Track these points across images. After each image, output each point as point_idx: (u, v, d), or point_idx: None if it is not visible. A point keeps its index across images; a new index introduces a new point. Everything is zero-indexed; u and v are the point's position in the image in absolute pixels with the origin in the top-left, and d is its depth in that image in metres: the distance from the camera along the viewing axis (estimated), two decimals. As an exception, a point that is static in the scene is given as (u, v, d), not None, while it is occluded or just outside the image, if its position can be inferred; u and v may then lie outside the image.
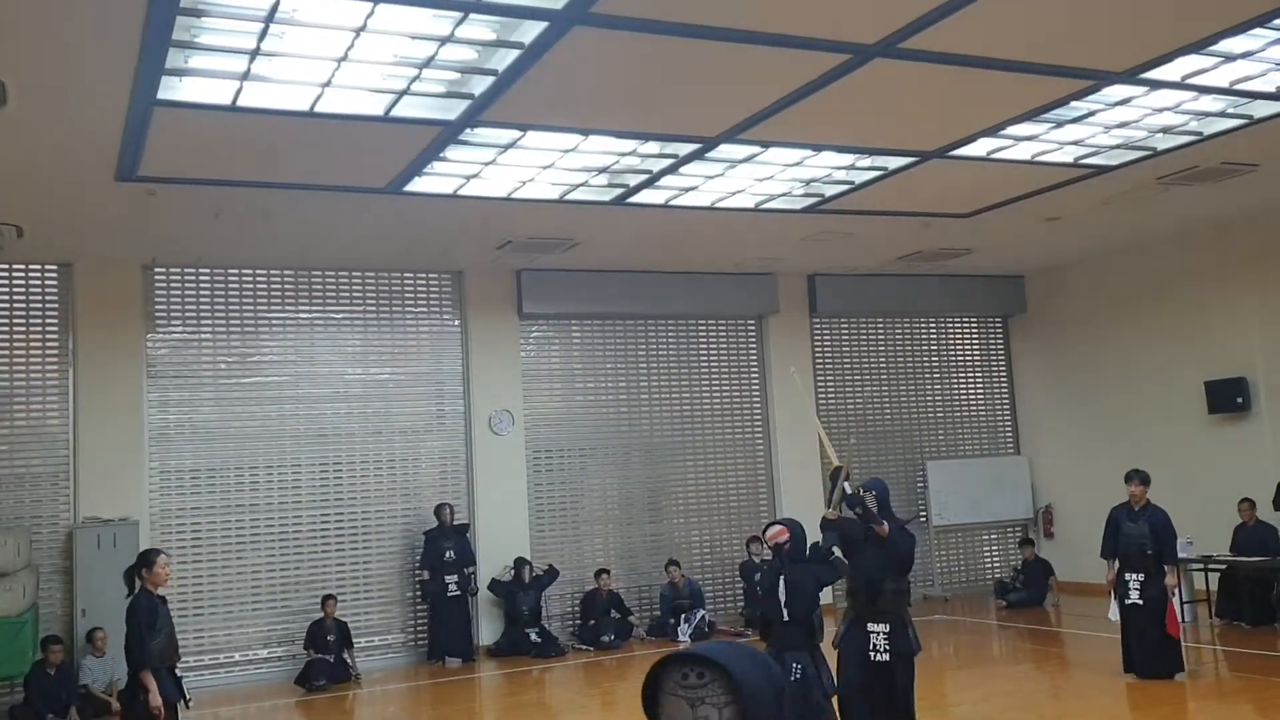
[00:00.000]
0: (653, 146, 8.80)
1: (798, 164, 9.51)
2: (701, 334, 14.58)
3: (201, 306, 12.17)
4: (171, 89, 6.98)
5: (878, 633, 7.22)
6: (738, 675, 1.68)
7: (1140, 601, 9.28)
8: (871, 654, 7.19)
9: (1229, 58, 7.55)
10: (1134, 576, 9.34)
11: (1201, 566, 12.03)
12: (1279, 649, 10.46)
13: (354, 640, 11.81)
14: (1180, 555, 11.28)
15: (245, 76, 6.84)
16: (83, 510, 11.18)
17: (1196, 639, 11.16)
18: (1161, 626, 9.23)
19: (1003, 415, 16.29)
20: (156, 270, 11.93)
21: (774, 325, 14.71)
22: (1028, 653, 11.89)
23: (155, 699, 6.46)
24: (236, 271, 12.28)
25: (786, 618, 6.75)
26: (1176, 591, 9.41)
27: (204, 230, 10.46)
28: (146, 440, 11.67)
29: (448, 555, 12.23)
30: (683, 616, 12.89)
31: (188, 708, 6.79)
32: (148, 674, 6.49)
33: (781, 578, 6.85)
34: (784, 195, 10.53)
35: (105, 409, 11.43)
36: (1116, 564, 9.51)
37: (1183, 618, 9.82)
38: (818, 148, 9.08)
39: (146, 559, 6.84)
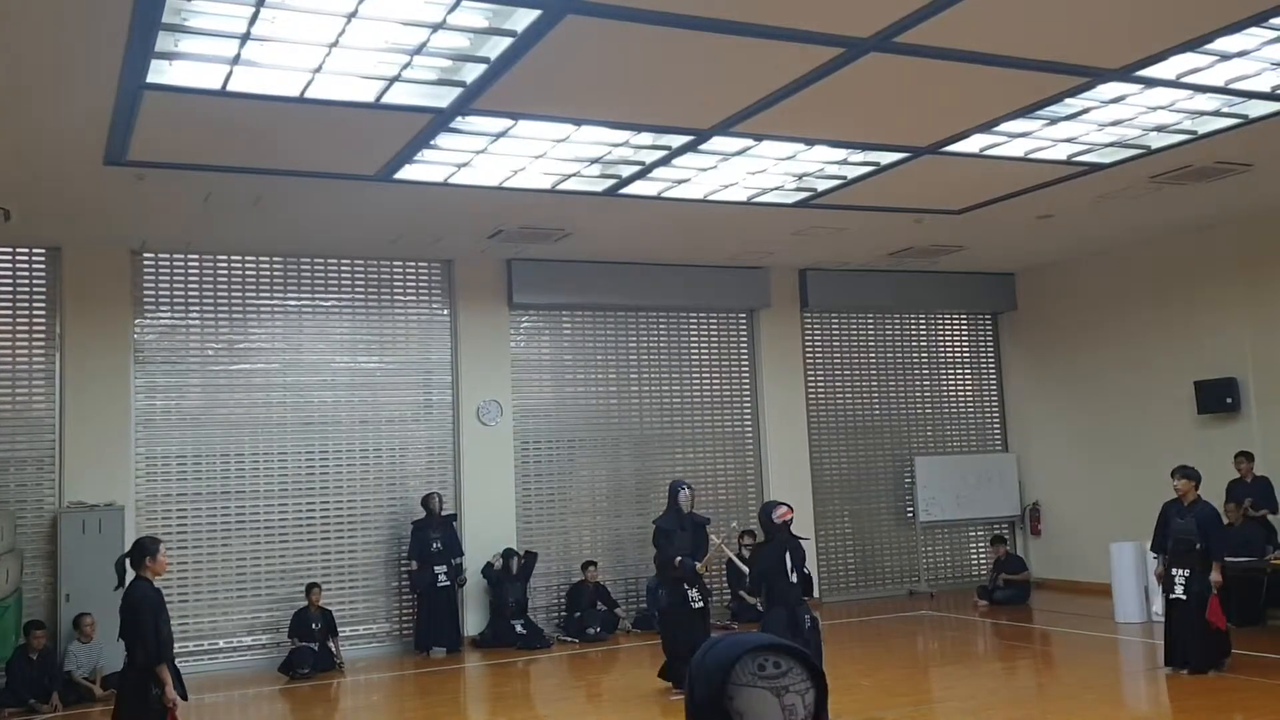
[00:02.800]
0: (645, 138, 8.76)
1: (790, 158, 9.48)
2: (692, 327, 14.56)
3: (190, 292, 12.11)
4: (161, 73, 6.93)
5: None
6: (812, 660, 1.67)
7: (1184, 596, 9.39)
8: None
9: (1224, 56, 7.54)
10: (1180, 572, 9.45)
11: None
12: (1264, 649, 10.48)
13: (339, 629, 11.78)
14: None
15: (236, 61, 6.78)
16: (68, 495, 11.12)
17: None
18: (1205, 620, 9.28)
19: (991, 412, 16.31)
20: (145, 255, 11.86)
21: (765, 319, 14.69)
22: (1010, 650, 11.91)
23: (172, 693, 6.33)
24: (225, 258, 12.22)
25: (795, 579, 8.39)
26: (1219, 586, 9.45)
27: (193, 216, 10.40)
28: (133, 426, 11.62)
29: (435, 546, 12.20)
30: (669, 609, 12.86)
31: (186, 699, 6.69)
32: (163, 667, 6.36)
33: (788, 550, 8.44)
34: (776, 189, 10.50)
35: (92, 394, 11.37)
36: (1164, 559, 9.67)
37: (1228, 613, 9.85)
38: (811, 142, 9.05)
39: (149, 547, 6.62)
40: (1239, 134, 9.22)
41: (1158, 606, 9.67)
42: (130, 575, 6.62)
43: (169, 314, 12.04)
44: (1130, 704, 8.99)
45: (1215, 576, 9.38)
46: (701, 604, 9.61)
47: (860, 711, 8.71)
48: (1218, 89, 8.18)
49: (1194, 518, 9.47)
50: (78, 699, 10.31)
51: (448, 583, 12.19)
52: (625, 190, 10.13)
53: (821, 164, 9.77)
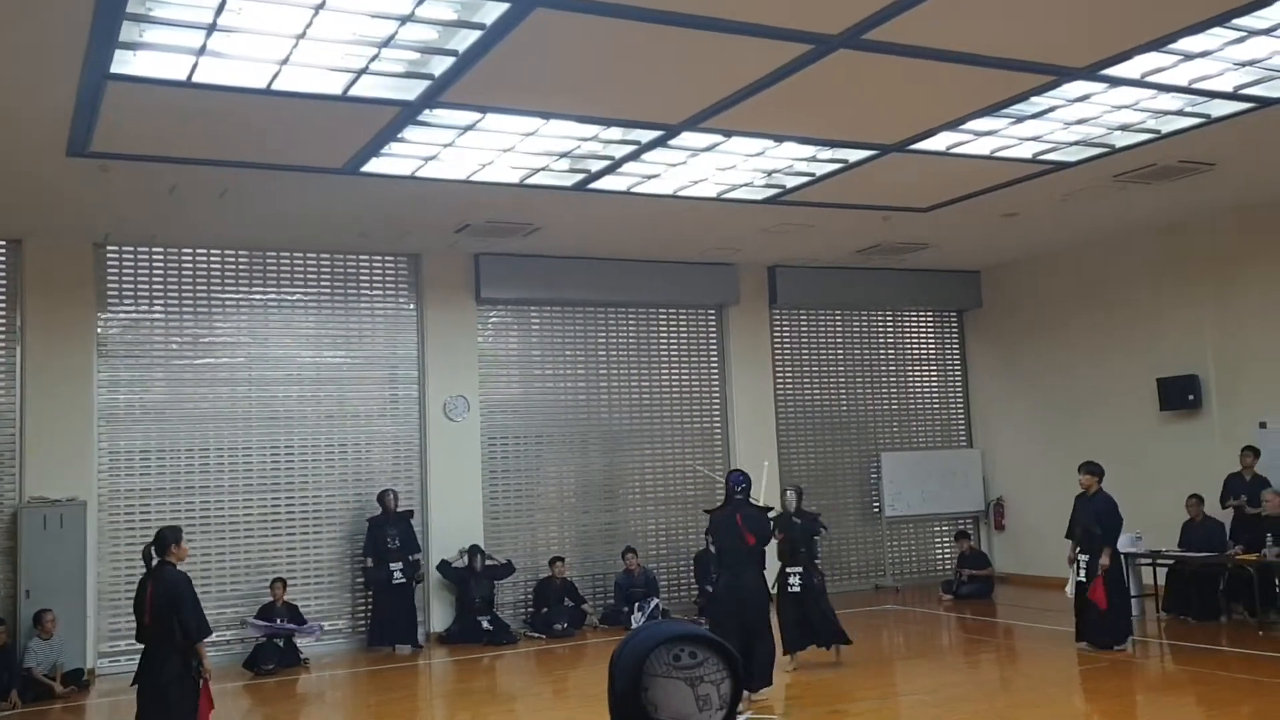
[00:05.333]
0: (615, 132, 8.75)
1: (760, 154, 9.51)
2: (661, 323, 14.56)
3: (154, 285, 11.99)
4: (125, 63, 6.86)
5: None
6: (729, 650, 1.68)
7: (1085, 579, 10.34)
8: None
9: (1188, 56, 7.62)
10: (1083, 557, 10.42)
11: (1150, 562, 12.19)
12: (1223, 643, 10.62)
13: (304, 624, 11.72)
14: (1129, 550, 11.62)
15: (201, 52, 6.72)
16: (29, 490, 10.99)
17: (1144, 633, 11.31)
18: (1104, 601, 10.21)
19: (956, 408, 16.43)
20: (109, 248, 11.73)
21: (734, 315, 14.72)
22: (974, 644, 12.01)
23: (210, 665, 6.98)
24: (190, 251, 12.11)
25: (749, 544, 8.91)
26: (1105, 569, 10.26)
27: (158, 208, 10.29)
28: (96, 420, 11.49)
29: (391, 542, 12.13)
30: (636, 605, 12.88)
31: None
32: (202, 645, 6.89)
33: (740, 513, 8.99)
34: (746, 185, 10.52)
35: (54, 388, 11.24)
36: (1075, 546, 10.54)
37: (1124, 594, 10.77)
38: (779, 138, 9.08)
39: (174, 536, 7.09)
40: (1202, 133, 9.32)
41: (1069, 588, 10.63)
42: (155, 562, 7.05)
43: (133, 307, 11.91)
44: (1092, 697, 9.09)
45: (1103, 560, 10.25)
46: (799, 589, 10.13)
47: (826, 704, 8.76)
48: (1181, 88, 8.27)
49: (1093, 508, 10.38)
50: (37, 696, 10.18)
51: (403, 579, 12.12)
52: (594, 185, 10.12)
53: (790, 161, 9.80)
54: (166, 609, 6.82)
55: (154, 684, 6.85)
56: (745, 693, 8.19)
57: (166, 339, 12.06)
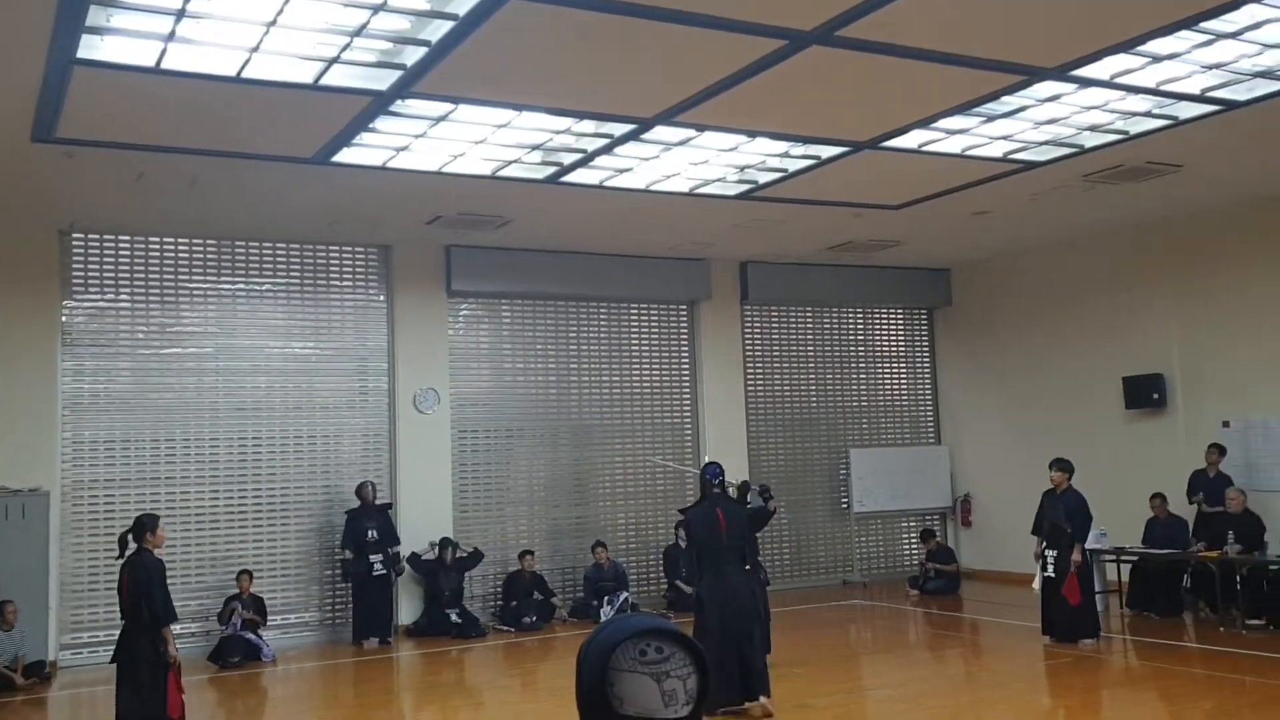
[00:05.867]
0: (588, 125, 8.73)
1: (732, 149, 9.51)
2: (633, 317, 14.56)
3: (121, 274, 11.86)
4: (92, 48, 6.77)
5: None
6: (696, 645, 1.67)
7: (1053, 574, 10.51)
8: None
9: (1156, 58, 7.69)
10: (1051, 553, 10.58)
11: (1114, 558, 12.30)
12: (1186, 639, 10.74)
13: (269, 618, 11.65)
14: (1094, 546, 11.74)
15: (170, 38, 6.65)
16: (-10, 480, 10.86)
17: (1108, 629, 11.42)
18: (1063, 595, 10.37)
19: (925, 405, 16.52)
20: (74, 235, 11.60)
21: (705, 311, 14.74)
22: (940, 639, 12.09)
23: (175, 650, 7.23)
24: (158, 239, 11.99)
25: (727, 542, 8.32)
26: (1078, 566, 10.46)
27: (125, 196, 10.18)
28: (60, 409, 11.37)
29: (370, 535, 12.07)
30: (605, 598, 12.88)
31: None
32: (168, 629, 7.20)
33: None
34: (718, 181, 10.53)
35: (17, 376, 11.10)
36: (1043, 541, 10.74)
37: (1092, 590, 11.02)
38: (752, 134, 9.09)
39: (151, 523, 7.41)
40: (1169, 135, 9.41)
41: (1036, 583, 10.81)
42: (131, 549, 7.37)
43: (99, 296, 11.79)
44: (1056, 692, 9.17)
45: (1075, 556, 10.39)
46: None
47: (793, 699, 8.79)
48: (1149, 90, 8.34)
49: (1063, 504, 10.52)
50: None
51: (384, 571, 12.07)
52: (567, 178, 10.10)
53: (763, 156, 9.81)
54: (138, 594, 7.19)
55: (128, 663, 7.28)
56: (762, 699, 7.94)
57: (133, 328, 11.94)
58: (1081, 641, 10.33)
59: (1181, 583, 11.82)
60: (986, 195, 11.34)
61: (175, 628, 7.59)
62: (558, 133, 8.86)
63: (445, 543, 12.52)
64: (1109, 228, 13.30)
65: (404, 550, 12.45)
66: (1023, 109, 8.70)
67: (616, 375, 14.37)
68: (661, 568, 13.89)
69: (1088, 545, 10.85)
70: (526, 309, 13.87)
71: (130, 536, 7.37)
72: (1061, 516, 10.48)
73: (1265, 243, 12.07)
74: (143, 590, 7.18)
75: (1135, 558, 12.12)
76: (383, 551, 12.08)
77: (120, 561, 7.46)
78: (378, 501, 12.28)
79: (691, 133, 8.95)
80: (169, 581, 7.52)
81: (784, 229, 12.66)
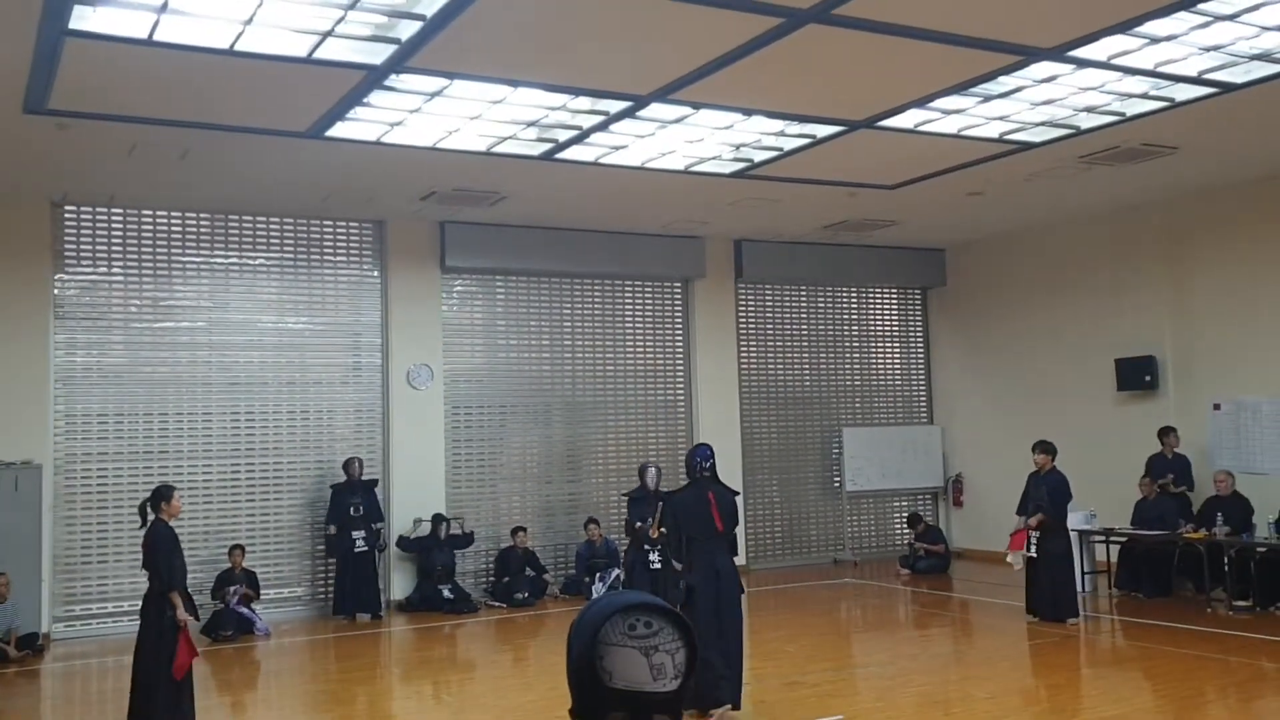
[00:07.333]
0: (583, 102, 8.70)
1: (728, 128, 9.49)
2: (627, 295, 14.55)
3: (113, 247, 11.82)
4: (84, 19, 6.73)
5: None
6: (685, 620, 1.69)
7: (1035, 555, 10.66)
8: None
9: (1154, 40, 7.67)
10: (1034, 533, 10.68)
11: (1103, 539, 12.36)
12: (1172, 619, 10.81)
13: (262, 592, 11.68)
14: (1083, 527, 11.81)
15: (163, 9, 6.60)
16: (-18, 453, 10.85)
17: (1095, 609, 11.50)
18: (1054, 577, 10.57)
19: (918, 385, 16.55)
20: (66, 208, 11.55)
21: (700, 289, 14.73)
22: (929, 617, 12.15)
23: (183, 613, 7.46)
24: (151, 212, 11.95)
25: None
26: (1034, 526, 10.71)
27: (117, 168, 10.14)
28: (52, 382, 11.35)
29: (354, 510, 12.07)
30: (597, 575, 12.92)
31: (197, 619, 8.43)
32: (175, 593, 7.46)
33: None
34: (714, 159, 10.51)
35: (9, 349, 11.08)
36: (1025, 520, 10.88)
37: (1066, 568, 10.93)
38: (748, 112, 9.06)
39: (165, 493, 7.70)
40: (1166, 117, 9.40)
41: (1011, 559, 10.99)
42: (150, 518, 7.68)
43: (91, 269, 11.75)
44: (1041, 670, 9.23)
45: (1031, 521, 10.70)
46: (660, 565, 9.99)
47: (783, 675, 8.84)
48: (1146, 72, 8.32)
49: (1045, 485, 10.66)
50: (-9, 660, 10.12)
51: (366, 548, 12.07)
52: (562, 155, 10.07)
53: (759, 135, 9.79)
54: (148, 559, 7.60)
55: (144, 624, 7.67)
56: (728, 707, 7.37)
57: (125, 301, 11.91)
58: (1068, 620, 10.44)
59: (1170, 564, 11.88)
60: (982, 176, 11.33)
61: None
62: (553, 109, 8.82)
63: (438, 519, 12.53)
64: (1104, 209, 13.30)
65: (395, 525, 12.46)
66: (1019, 89, 8.68)
67: (610, 352, 14.37)
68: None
69: (1075, 526, 10.97)
70: (520, 285, 13.85)
71: (149, 506, 7.71)
72: (1044, 497, 10.65)
73: (1259, 226, 12.08)
74: (150, 555, 7.57)
75: (1124, 539, 12.18)
76: (365, 527, 12.08)
77: (143, 530, 7.81)
78: (364, 477, 12.29)
79: (687, 110, 8.93)
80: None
81: (779, 208, 12.65)
